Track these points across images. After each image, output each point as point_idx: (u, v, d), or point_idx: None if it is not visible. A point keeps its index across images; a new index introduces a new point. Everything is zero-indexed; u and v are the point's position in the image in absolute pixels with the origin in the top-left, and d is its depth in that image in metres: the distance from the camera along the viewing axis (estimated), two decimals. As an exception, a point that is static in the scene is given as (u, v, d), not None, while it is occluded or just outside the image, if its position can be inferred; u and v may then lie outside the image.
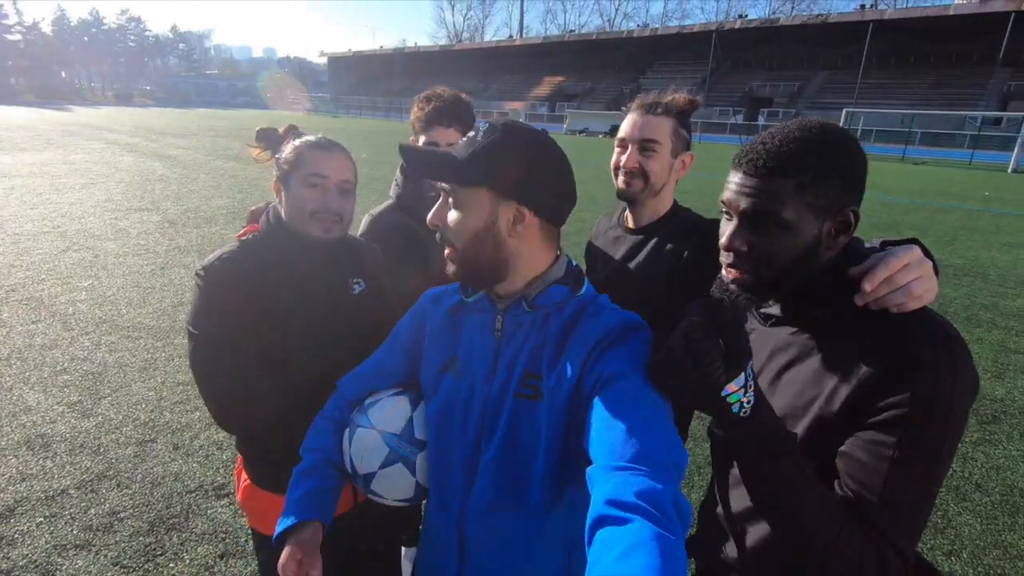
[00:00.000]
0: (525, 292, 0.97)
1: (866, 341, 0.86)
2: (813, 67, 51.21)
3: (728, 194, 0.93)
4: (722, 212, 0.97)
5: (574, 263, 1.03)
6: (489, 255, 0.94)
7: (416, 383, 1.11)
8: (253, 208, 1.45)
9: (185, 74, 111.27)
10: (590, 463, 0.79)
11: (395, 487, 1.04)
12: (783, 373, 0.97)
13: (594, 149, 24.04)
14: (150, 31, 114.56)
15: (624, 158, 1.52)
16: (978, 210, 12.13)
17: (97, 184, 10.77)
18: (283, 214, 1.31)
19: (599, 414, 0.82)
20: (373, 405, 1.08)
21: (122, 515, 2.49)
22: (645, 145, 1.48)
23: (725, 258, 0.95)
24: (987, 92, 39.84)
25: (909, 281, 0.83)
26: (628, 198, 1.58)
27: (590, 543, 0.67)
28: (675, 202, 1.65)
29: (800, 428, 0.91)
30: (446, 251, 0.97)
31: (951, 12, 40.22)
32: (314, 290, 1.33)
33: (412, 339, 1.12)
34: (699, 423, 2.79)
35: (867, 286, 0.84)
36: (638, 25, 78.87)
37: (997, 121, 33.91)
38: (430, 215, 0.97)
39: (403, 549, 2.27)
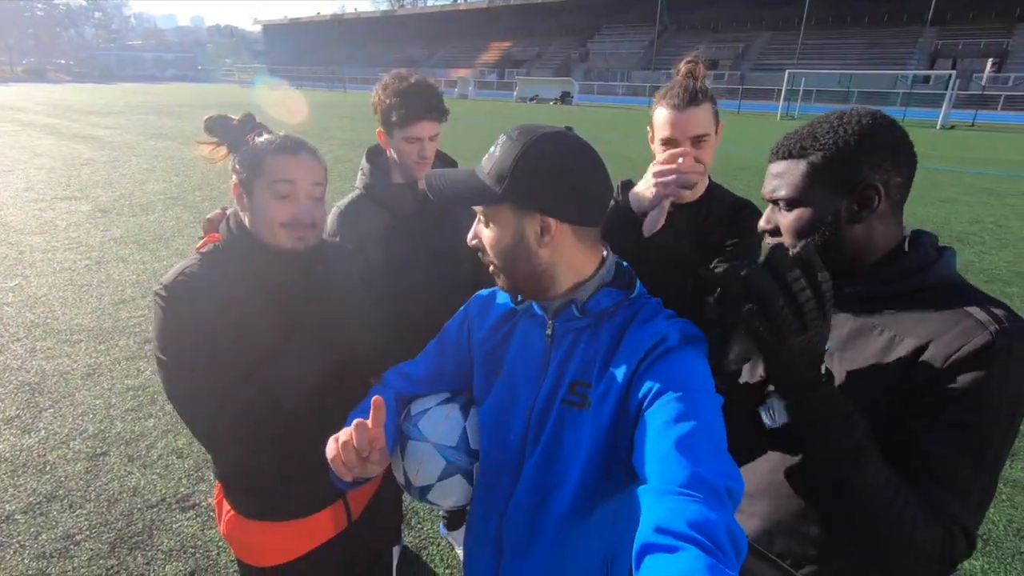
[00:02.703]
0: (574, 296, 0.94)
1: (932, 324, 0.87)
2: (756, 28, 52.04)
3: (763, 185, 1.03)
4: None
5: (625, 264, 1.01)
6: (524, 268, 0.93)
7: (465, 386, 1.11)
8: (209, 216, 1.31)
9: (105, 46, 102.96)
10: (635, 479, 0.78)
11: (452, 496, 1.04)
12: (840, 354, 0.98)
13: (548, 117, 23.78)
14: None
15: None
16: (913, 167, 12.69)
17: (14, 171, 9.88)
18: (247, 222, 1.18)
19: (650, 431, 0.79)
20: (423, 415, 1.05)
21: (78, 538, 2.33)
22: (697, 141, 1.42)
23: (765, 238, 1.05)
24: (917, 51, 41.54)
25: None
26: (688, 187, 1.42)
27: (638, 568, 0.65)
28: (710, 179, 1.59)
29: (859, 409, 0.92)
30: (490, 267, 0.97)
31: (884, -28, 41.37)
32: (287, 299, 1.22)
33: (461, 341, 1.12)
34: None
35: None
36: (584, -13, 77.63)
37: (926, 79, 35.49)
38: (469, 235, 0.97)
39: (393, 548, 2.25)
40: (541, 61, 60.34)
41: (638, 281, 0.99)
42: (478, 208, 0.93)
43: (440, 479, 1.01)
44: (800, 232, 0.96)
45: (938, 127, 23.17)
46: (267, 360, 1.16)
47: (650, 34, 54.45)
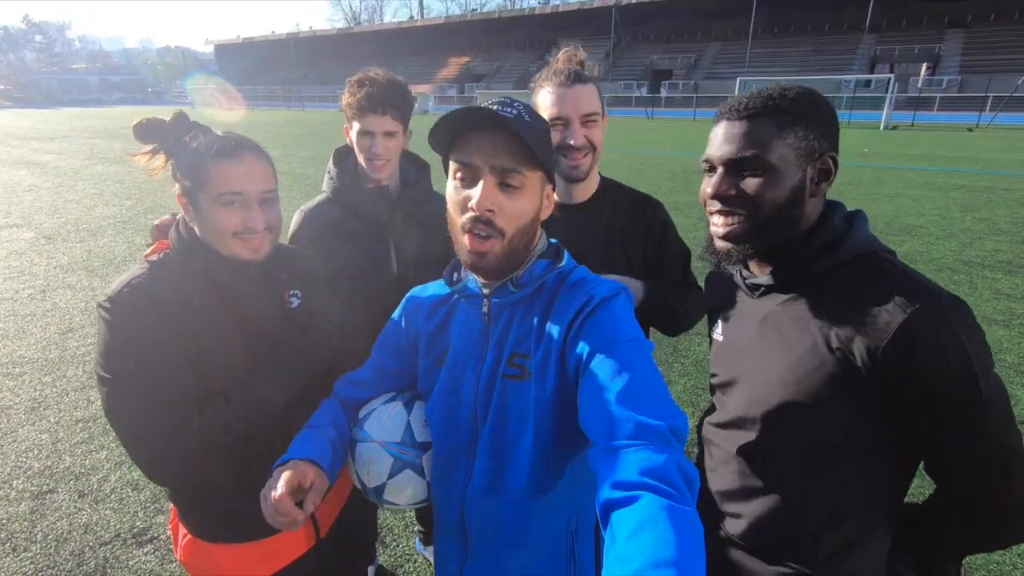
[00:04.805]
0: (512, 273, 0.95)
1: (852, 312, 0.85)
2: (707, 39, 53.80)
3: (710, 149, 0.94)
4: (704, 171, 0.97)
5: (553, 240, 1.03)
6: (528, 240, 0.93)
7: (411, 383, 1.12)
8: (157, 222, 1.22)
9: (47, 70, 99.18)
10: (587, 443, 0.79)
11: (407, 492, 1.04)
12: (775, 342, 0.96)
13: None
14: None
15: (570, 136, 1.38)
16: (860, 166, 13.25)
17: (-51, 201, 9.36)
18: (197, 231, 1.10)
19: (589, 390, 0.81)
20: (368, 417, 1.07)
21: (22, 583, 2.16)
22: (587, 119, 1.38)
23: (711, 207, 0.94)
24: (857, 57, 43.61)
25: None
26: (578, 178, 1.46)
27: (605, 526, 0.66)
28: (602, 177, 1.58)
29: (797, 395, 0.90)
30: (476, 241, 0.88)
31: (822, -17, 43.34)
32: (248, 311, 1.14)
33: (400, 339, 1.11)
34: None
35: None
36: (539, 2, 78.99)
37: (868, 83, 37.23)
38: (482, 201, 0.85)
39: (368, 568, 2.16)
40: (501, 75, 60.91)
41: (566, 252, 1.01)
42: (502, 170, 0.85)
43: (390, 476, 1.02)
44: (769, 201, 0.88)
45: (881, 128, 24.28)
46: (236, 381, 1.09)
47: (605, 46, 55.67)
